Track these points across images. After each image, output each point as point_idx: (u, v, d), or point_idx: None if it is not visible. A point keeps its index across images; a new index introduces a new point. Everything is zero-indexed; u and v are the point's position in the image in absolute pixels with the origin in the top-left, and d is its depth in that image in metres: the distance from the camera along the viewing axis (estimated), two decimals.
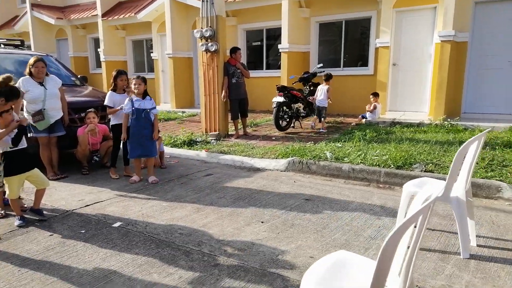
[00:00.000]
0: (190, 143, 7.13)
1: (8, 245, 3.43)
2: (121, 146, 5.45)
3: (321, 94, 7.90)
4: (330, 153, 5.67)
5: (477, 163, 4.82)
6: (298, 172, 5.53)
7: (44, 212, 4.13)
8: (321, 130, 7.82)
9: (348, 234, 3.43)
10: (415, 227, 1.65)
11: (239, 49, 7.53)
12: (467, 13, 7.73)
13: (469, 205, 3.16)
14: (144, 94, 5.12)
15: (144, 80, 5.11)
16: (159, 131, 5.96)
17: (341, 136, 7.00)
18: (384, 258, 1.46)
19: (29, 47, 15.54)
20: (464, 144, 2.78)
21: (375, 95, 8.43)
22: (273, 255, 3.09)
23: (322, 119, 7.93)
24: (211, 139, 7.37)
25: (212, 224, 3.75)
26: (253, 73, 11.00)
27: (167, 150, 6.84)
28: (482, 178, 4.39)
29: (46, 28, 15.30)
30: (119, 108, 5.22)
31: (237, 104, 7.54)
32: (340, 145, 6.20)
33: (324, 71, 8.74)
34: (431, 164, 4.93)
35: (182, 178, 5.38)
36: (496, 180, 4.32)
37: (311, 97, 8.30)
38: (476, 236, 3.22)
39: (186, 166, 6.01)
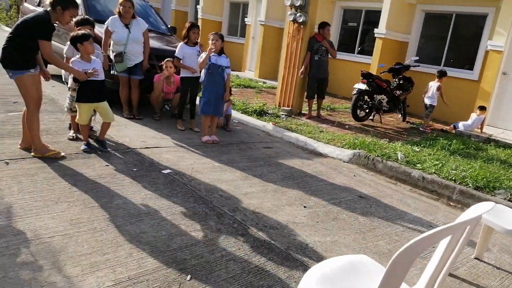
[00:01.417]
0: (260, 113, 7.02)
1: (70, 164, 3.70)
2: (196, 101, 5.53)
3: (430, 91, 7.55)
4: (402, 155, 5.15)
5: None
6: (362, 166, 5.13)
7: (109, 143, 4.39)
8: (420, 128, 7.58)
9: (393, 245, 3.07)
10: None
11: (329, 25, 7.04)
12: None
13: None
14: (221, 52, 5.07)
15: (221, 37, 5.04)
16: (231, 93, 5.94)
17: (422, 141, 6.34)
18: (395, 269, 1.21)
19: None
20: None
21: (482, 109, 7.41)
22: (303, 242, 2.89)
23: (426, 117, 7.63)
24: (282, 114, 7.19)
25: (254, 195, 3.63)
26: (343, 56, 10.46)
27: (237, 115, 6.82)
28: None
29: None
30: (191, 67, 5.28)
31: (315, 83, 7.19)
32: (418, 150, 5.62)
33: (419, 65, 7.94)
34: None
35: (242, 144, 5.32)
36: None
37: (398, 91, 7.61)
38: None
39: (249, 134, 5.94)
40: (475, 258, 3.02)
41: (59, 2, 3.49)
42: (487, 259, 3.07)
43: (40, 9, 3.66)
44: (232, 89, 8.91)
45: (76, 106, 4.10)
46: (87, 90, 4.00)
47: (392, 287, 1.30)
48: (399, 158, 5.07)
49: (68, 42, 4.25)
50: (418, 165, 4.88)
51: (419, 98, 8.49)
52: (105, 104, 4.15)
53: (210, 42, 4.96)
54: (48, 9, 3.57)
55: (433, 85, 7.49)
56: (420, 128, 7.51)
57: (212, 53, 4.97)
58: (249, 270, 2.45)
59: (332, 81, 8.34)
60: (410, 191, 4.51)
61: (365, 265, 1.81)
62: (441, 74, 7.50)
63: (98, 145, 4.24)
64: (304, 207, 3.55)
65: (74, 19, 4.28)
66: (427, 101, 7.55)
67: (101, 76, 4.08)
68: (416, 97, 8.50)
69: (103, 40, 5.39)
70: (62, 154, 3.87)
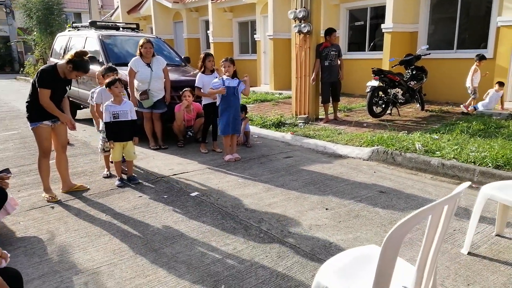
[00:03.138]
0: (278, 125, 7.26)
1: (107, 200, 4.06)
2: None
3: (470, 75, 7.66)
4: (420, 145, 5.22)
5: None
6: (382, 162, 5.24)
7: (140, 175, 4.77)
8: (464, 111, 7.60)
9: (414, 233, 3.19)
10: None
11: (335, 30, 7.24)
12: None
13: None
14: (234, 75, 5.38)
15: (232, 61, 5.37)
16: (246, 111, 6.25)
17: (440, 127, 6.36)
18: (386, 251, 1.41)
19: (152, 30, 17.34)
20: None
21: (500, 85, 7.32)
22: (326, 242, 3.07)
23: (471, 99, 7.66)
24: (300, 122, 7.39)
25: (277, 205, 3.85)
26: (355, 55, 10.58)
27: (256, 130, 7.09)
28: None
29: (165, 11, 16.85)
30: (208, 93, 5.54)
31: (329, 88, 7.35)
32: (437, 137, 5.66)
33: (429, 53, 7.94)
34: None
35: (262, 158, 5.56)
36: None
37: (412, 82, 7.65)
38: None
39: (269, 147, 6.17)
40: (496, 235, 3.09)
41: (72, 62, 3.84)
42: (509, 234, 3.12)
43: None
44: (249, 105, 9.23)
45: (109, 145, 4.51)
46: (116, 129, 4.41)
47: (387, 267, 1.49)
48: (418, 148, 5.14)
49: (96, 90, 4.74)
50: (437, 152, 4.94)
51: (438, 86, 8.48)
52: (130, 143, 4.55)
53: (223, 69, 5.29)
54: (59, 63, 3.98)
55: (471, 68, 7.56)
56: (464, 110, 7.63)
57: (226, 77, 5.29)
58: (277, 274, 2.67)
59: (347, 81, 8.47)
60: (431, 179, 4.58)
61: (375, 254, 1.99)
62: (480, 58, 7.47)
63: (130, 181, 4.60)
64: (326, 209, 3.72)
65: (100, 68, 4.82)
66: (469, 84, 7.61)
67: (131, 116, 4.49)
68: (435, 84, 8.49)
69: (128, 80, 5.84)
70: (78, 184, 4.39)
